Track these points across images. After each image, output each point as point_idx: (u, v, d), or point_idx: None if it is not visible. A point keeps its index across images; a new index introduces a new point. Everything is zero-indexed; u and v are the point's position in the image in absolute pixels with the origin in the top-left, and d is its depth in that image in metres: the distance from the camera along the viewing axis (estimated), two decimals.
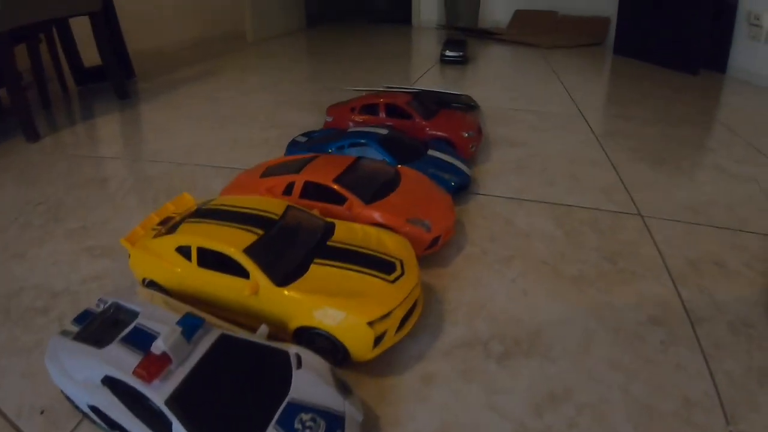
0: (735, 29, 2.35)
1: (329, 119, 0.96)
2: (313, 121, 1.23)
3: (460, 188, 0.76)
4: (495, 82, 1.69)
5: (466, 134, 0.87)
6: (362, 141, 0.78)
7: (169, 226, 0.57)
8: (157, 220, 0.62)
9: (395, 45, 2.73)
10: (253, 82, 1.75)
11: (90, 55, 1.74)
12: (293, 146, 0.86)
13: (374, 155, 0.76)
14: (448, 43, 2.02)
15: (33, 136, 1.19)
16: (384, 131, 0.80)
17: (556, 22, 3.47)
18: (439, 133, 0.88)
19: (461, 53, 1.95)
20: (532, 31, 3.43)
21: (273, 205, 0.56)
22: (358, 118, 0.92)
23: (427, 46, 2.67)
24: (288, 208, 0.56)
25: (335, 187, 0.63)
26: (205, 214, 0.55)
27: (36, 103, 1.58)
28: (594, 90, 1.66)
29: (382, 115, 0.91)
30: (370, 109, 0.91)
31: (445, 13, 3.71)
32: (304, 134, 0.91)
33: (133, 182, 0.93)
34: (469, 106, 1.14)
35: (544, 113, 1.32)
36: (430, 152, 0.79)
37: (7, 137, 1.25)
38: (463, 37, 2.09)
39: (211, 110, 1.40)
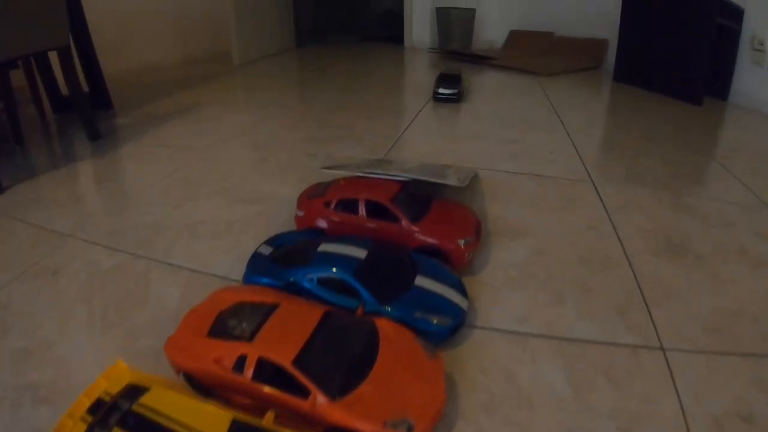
0: (738, 54, 2.27)
1: (300, 213, 0.83)
2: (289, 192, 1.09)
3: (453, 331, 0.63)
4: (491, 128, 1.57)
5: (462, 242, 0.74)
6: (334, 271, 0.64)
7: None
8: (87, 404, 0.50)
9: (387, 73, 2.68)
10: (232, 124, 1.65)
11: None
12: (255, 263, 0.72)
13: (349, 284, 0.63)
14: (442, 80, 1.91)
15: None
16: (362, 253, 0.67)
17: (552, 44, 3.40)
18: (429, 241, 0.75)
19: (455, 91, 1.85)
20: (527, 54, 3.34)
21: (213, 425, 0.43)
22: (334, 217, 0.79)
23: (419, 74, 2.60)
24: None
25: (295, 373, 0.50)
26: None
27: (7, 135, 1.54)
28: (598, 135, 1.57)
29: (363, 213, 0.78)
30: (348, 205, 0.78)
31: (437, 34, 3.62)
32: (268, 242, 0.77)
33: (85, 279, 0.81)
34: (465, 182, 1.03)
35: (548, 179, 1.20)
36: (418, 280, 0.66)
37: None
38: (457, 72, 1.99)
39: (181, 167, 1.29)
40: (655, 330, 0.69)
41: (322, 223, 0.81)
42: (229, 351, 0.52)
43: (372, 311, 0.64)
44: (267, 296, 0.62)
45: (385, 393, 0.50)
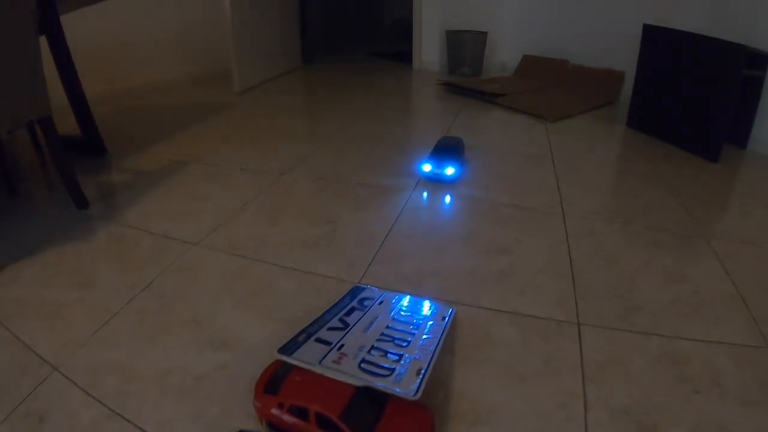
0: (761, 100, 2.22)
1: (257, 404, 0.83)
2: (267, 333, 1.09)
3: None
4: (482, 226, 1.55)
5: None
6: None
7: None
8: None
9: (392, 111, 2.72)
10: (218, 199, 1.70)
11: (65, 124, 1.76)
12: None
13: None
14: (434, 155, 1.83)
15: None
16: None
17: (565, 73, 3.32)
18: None
19: (447, 172, 1.78)
20: (538, 84, 3.26)
21: None
22: (287, 418, 0.79)
23: (426, 118, 2.66)
24: None
25: None
26: None
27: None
28: (600, 235, 1.52)
29: (313, 423, 0.78)
30: (299, 411, 0.78)
31: (447, 56, 3.58)
32: None
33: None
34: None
35: (530, 322, 1.16)
36: None
37: None
38: (455, 141, 1.92)
39: (158, 260, 1.34)
40: None
41: (277, 418, 0.81)
42: None
43: None
44: None
45: None
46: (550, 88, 3.31)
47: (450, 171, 1.77)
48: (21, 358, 1.02)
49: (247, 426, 0.85)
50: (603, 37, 3.20)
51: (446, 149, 1.84)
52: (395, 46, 4.51)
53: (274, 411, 0.81)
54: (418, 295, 1.18)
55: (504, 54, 3.74)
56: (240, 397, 0.91)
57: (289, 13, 3.61)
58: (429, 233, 1.49)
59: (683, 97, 2.37)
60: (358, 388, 0.80)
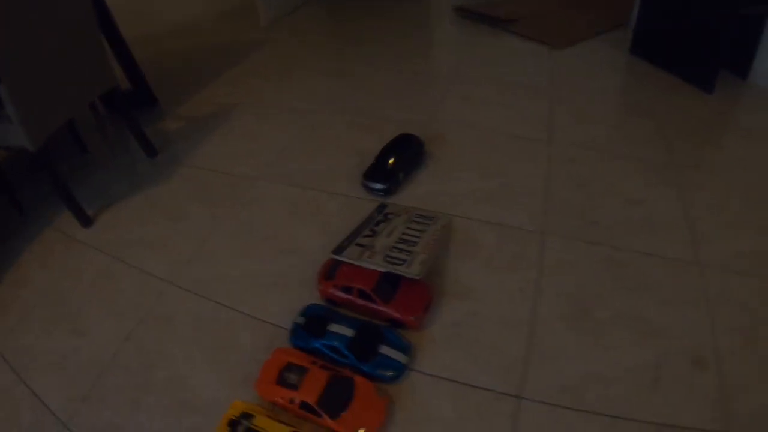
0: (764, 34, 2.44)
1: (320, 287, 1.42)
2: (323, 241, 1.63)
3: (399, 378, 1.21)
4: (481, 157, 1.97)
5: (413, 318, 1.34)
6: (335, 344, 1.27)
7: None
8: (225, 421, 1.15)
9: (410, 43, 3.09)
10: (268, 138, 2.16)
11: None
12: (295, 331, 1.31)
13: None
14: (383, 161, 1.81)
15: None
16: (351, 332, 1.25)
17: None
18: (394, 315, 1.36)
19: (386, 186, 1.76)
20: (555, 2, 3.39)
21: None
22: (339, 294, 1.38)
23: (442, 50, 3.01)
24: None
25: (317, 408, 1.16)
26: None
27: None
28: (581, 160, 1.90)
29: (355, 295, 1.39)
30: (347, 289, 1.40)
31: None
32: (302, 313, 1.33)
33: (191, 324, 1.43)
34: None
35: (507, 231, 1.65)
36: (382, 349, 1.24)
37: None
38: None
39: (231, 193, 1.87)
40: (525, 385, 1.21)
41: (334, 294, 1.39)
42: (287, 395, 1.14)
43: (354, 366, 1.23)
44: (303, 360, 1.21)
45: (355, 415, 1.10)
46: (563, 8, 3.55)
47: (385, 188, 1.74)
48: (140, 280, 1.56)
49: (315, 301, 1.42)
50: None
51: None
52: None
53: (331, 290, 1.42)
54: (425, 210, 1.69)
55: None
56: (308, 284, 1.48)
57: None
58: (437, 162, 1.96)
59: (684, 27, 2.58)
60: (382, 273, 1.39)
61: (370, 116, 2.29)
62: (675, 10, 2.60)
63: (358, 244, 1.44)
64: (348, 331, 1.24)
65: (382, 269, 1.32)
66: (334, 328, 1.25)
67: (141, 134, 1.94)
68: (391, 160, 1.75)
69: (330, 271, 1.38)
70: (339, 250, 1.40)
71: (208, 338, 1.37)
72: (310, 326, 1.29)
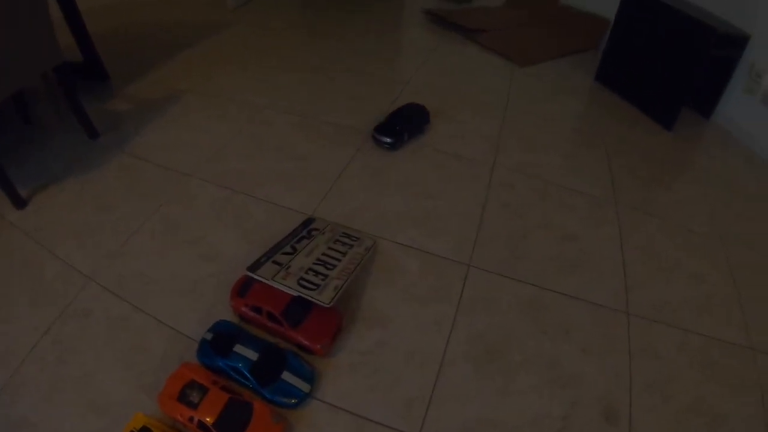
0: (733, 76, 2.55)
1: (232, 303, 1.44)
2: (244, 250, 1.64)
3: (299, 405, 1.24)
4: (418, 177, 2.00)
5: (320, 346, 1.37)
6: (239, 365, 1.30)
7: None
8: None
9: (375, 44, 3.11)
10: (210, 132, 2.17)
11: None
12: (201, 347, 1.32)
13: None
14: (385, 126, 2.11)
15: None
16: (256, 355, 1.27)
17: (554, 10, 3.60)
18: (302, 341, 1.38)
19: (393, 139, 2.07)
20: (527, 17, 3.46)
21: None
22: (250, 313, 1.40)
23: (405, 54, 2.93)
24: None
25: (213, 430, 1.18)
26: None
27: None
28: (520, 191, 1.94)
29: (265, 316, 1.41)
30: (257, 309, 1.42)
31: None
32: (210, 329, 1.33)
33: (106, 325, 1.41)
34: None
35: (431, 260, 1.67)
36: (284, 375, 1.26)
37: None
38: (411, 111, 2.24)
39: (163, 189, 1.86)
40: (422, 424, 1.25)
41: (245, 312, 1.40)
42: (187, 413, 1.15)
43: (255, 390, 1.27)
44: (206, 379, 1.22)
45: None
46: (535, 25, 3.57)
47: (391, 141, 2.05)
48: (64, 271, 1.54)
49: (227, 317, 1.43)
50: None
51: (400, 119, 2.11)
52: None
53: (243, 308, 1.44)
54: (351, 228, 1.70)
55: None
56: (223, 295, 1.48)
57: None
58: (374, 179, 1.96)
59: (651, 63, 2.67)
60: (294, 297, 1.41)
61: (317, 119, 2.29)
62: (644, 44, 2.68)
63: (275, 262, 1.45)
64: (252, 354, 1.26)
65: (294, 293, 1.34)
66: (239, 349, 1.28)
67: (83, 114, 1.92)
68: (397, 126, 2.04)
69: (243, 288, 1.40)
70: (254, 266, 1.41)
71: (122, 340, 1.38)
72: (217, 343, 1.30)
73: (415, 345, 1.41)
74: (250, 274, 1.41)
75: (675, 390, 1.35)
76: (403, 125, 2.06)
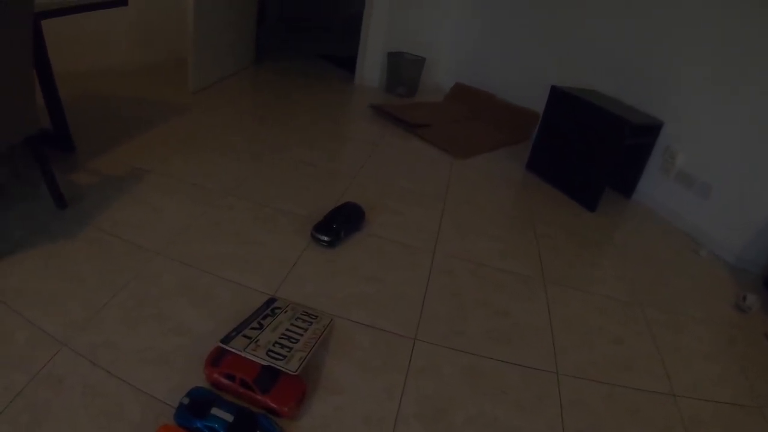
0: (650, 159, 3.08)
1: (206, 372, 1.72)
2: (212, 325, 1.88)
3: None
4: (366, 263, 2.31)
5: (286, 408, 1.63)
6: (216, 426, 1.56)
7: None
8: None
9: (323, 134, 3.47)
10: (170, 213, 2.39)
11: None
12: (179, 410, 1.49)
13: None
14: (323, 225, 2.36)
15: None
16: (231, 417, 1.49)
17: (491, 105, 4.14)
18: (271, 405, 1.65)
19: (330, 238, 2.33)
20: (466, 112, 4.00)
21: None
22: (223, 380, 1.68)
23: (351, 146, 3.33)
24: None
25: None
26: None
27: None
28: (461, 273, 2.29)
29: (238, 383, 1.68)
30: (230, 376, 1.70)
31: (387, 75, 4.42)
32: (187, 394, 1.52)
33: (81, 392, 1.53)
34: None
35: (381, 335, 1.95)
36: None
37: None
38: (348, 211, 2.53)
39: (130, 264, 2.05)
40: None
41: (218, 380, 1.63)
42: None
43: None
44: None
45: None
46: (474, 119, 4.09)
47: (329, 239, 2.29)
48: (34, 335, 1.69)
49: (200, 384, 1.67)
50: (527, 79, 4.07)
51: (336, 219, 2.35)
52: (347, 44, 5.32)
53: (216, 376, 1.71)
54: (309, 308, 1.99)
55: (440, 78, 4.69)
56: (194, 365, 1.71)
57: (248, 4, 4.23)
58: (328, 262, 2.28)
59: (575, 152, 3.19)
60: (264, 366, 1.67)
61: (269, 207, 2.60)
62: (569, 135, 3.19)
63: (244, 336, 1.71)
64: (227, 416, 1.49)
65: (264, 362, 1.60)
66: (216, 411, 1.50)
67: (54, 183, 2.05)
68: (334, 224, 2.29)
69: (216, 358, 1.64)
70: (227, 339, 1.67)
71: (97, 405, 1.53)
72: (194, 407, 1.52)
73: (371, 408, 1.67)
74: (224, 346, 1.66)
75: None
76: (340, 224, 2.33)
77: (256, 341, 1.68)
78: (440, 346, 1.95)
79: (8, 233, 2.10)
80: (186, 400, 1.55)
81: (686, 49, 2.77)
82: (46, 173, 2.03)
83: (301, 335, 1.77)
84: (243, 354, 1.64)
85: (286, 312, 1.88)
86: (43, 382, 1.57)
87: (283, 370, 1.62)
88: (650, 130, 3.07)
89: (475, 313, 2.12)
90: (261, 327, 1.77)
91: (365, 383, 1.76)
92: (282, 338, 1.74)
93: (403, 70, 4.18)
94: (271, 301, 1.95)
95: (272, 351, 1.65)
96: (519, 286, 2.22)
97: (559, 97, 3.14)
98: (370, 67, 4.43)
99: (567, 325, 2.01)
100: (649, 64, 3.01)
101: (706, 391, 1.79)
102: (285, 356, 1.64)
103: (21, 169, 2.33)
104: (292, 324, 1.82)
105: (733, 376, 1.86)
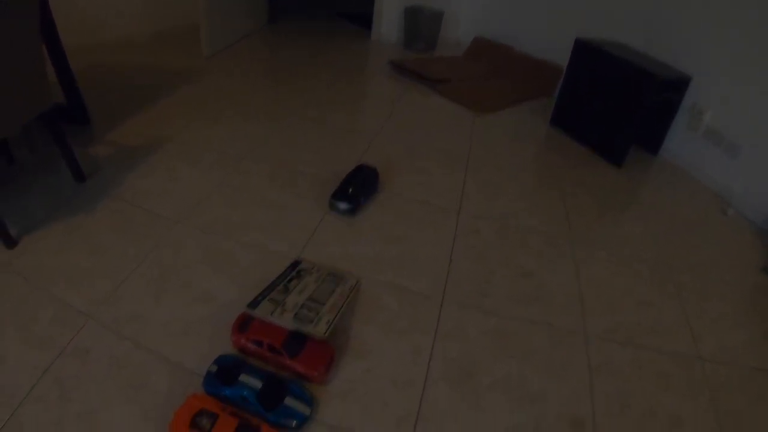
0: (677, 114, 2.99)
1: (233, 338, 1.72)
2: (236, 290, 1.88)
3: (301, 426, 1.48)
4: (391, 226, 2.30)
5: (316, 374, 1.65)
6: (245, 393, 1.57)
7: None
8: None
9: (341, 94, 3.43)
10: (191, 181, 2.40)
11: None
12: (207, 378, 1.51)
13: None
14: (341, 193, 2.30)
15: None
16: (259, 384, 1.50)
17: (510, 59, 4.05)
18: (299, 370, 1.66)
19: (352, 206, 2.28)
20: (485, 66, 3.91)
21: None
22: (251, 346, 1.70)
23: (370, 104, 3.30)
24: None
25: None
26: None
27: None
28: (485, 232, 2.27)
29: (265, 348, 1.69)
30: (258, 342, 1.71)
31: (404, 31, 4.32)
32: (215, 362, 1.55)
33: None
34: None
35: (408, 296, 1.94)
36: (286, 400, 1.53)
37: None
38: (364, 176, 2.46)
39: (151, 233, 2.06)
40: None
41: (246, 346, 1.65)
42: None
43: (260, 415, 1.51)
44: (215, 407, 1.45)
45: None
46: (495, 73, 3.98)
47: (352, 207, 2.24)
48: (60, 311, 1.72)
49: (227, 352, 1.69)
50: (550, 31, 3.93)
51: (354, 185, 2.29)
52: (363, 1, 5.19)
53: (243, 342, 1.72)
54: (337, 270, 1.99)
55: (459, 32, 4.57)
56: (219, 333, 1.74)
57: None
58: (350, 228, 2.26)
59: (600, 107, 3.11)
60: (291, 331, 1.70)
61: (290, 169, 2.59)
62: (594, 90, 3.12)
63: (271, 300, 1.71)
64: (256, 382, 1.51)
65: (291, 327, 1.60)
66: (244, 378, 1.51)
67: (72, 157, 2.07)
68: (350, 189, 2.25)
69: (243, 324, 1.65)
70: (253, 304, 1.68)
71: (125, 377, 1.55)
72: (222, 374, 1.53)
73: (399, 371, 1.68)
74: (250, 311, 1.66)
75: (633, 398, 1.65)
76: (358, 188, 2.29)
77: (283, 305, 1.69)
78: (467, 308, 1.94)
79: (29, 209, 2.11)
80: (214, 368, 1.56)
81: (718, 1, 2.61)
82: (64, 148, 2.04)
83: (328, 297, 1.77)
84: (270, 319, 1.63)
85: (311, 273, 1.88)
86: (70, 357, 1.59)
87: (311, 334, 1.59)
88: (678, 84, 2.96)
89: (501, 273, 2.11)
90: (287, 290, 1.78)
91: (392, 345, 1.76)
92: (309, 301, 1.75)
93: (422, 25, 4.07)
94: (297, 263, 1.95)
95: (299, 314, 1.65)
96: (546, 247, 2.19)
97: (583, 50, 3.05)
98: (388, 23, 4.33)
99: (594, 287, 1.99)
100: (678, 17, 2.86)
101: (733, 356, 1.75)
102: (312, 320, 1.65)
103: (38, 146, 2.34)
104: (318, 286, 1.81)
105: (761, 342, 1.82)
